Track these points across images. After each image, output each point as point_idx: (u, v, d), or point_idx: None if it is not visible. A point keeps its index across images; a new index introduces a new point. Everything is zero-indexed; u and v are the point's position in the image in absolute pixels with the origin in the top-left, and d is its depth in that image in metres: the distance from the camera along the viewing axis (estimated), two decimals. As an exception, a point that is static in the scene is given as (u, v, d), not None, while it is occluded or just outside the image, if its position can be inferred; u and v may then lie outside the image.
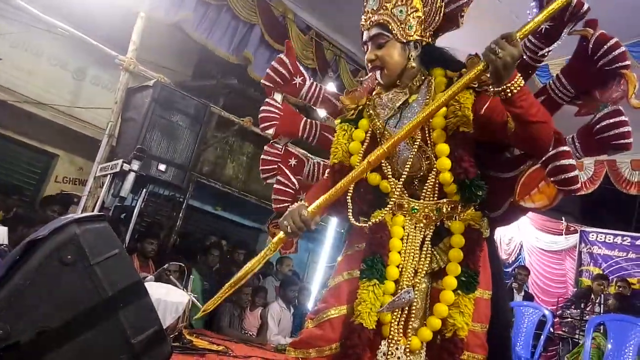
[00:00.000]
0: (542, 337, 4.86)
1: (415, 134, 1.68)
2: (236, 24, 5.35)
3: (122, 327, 1.83)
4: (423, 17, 1.74)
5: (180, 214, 5.92)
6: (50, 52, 5.63)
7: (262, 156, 2.15)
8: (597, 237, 8.03)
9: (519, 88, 1.45)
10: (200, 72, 6.58)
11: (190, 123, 4.86)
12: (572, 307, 6.57)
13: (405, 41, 1.72)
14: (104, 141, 4.59)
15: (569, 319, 6.35)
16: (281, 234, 1.66)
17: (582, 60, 1.65)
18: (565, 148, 1.52)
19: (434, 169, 1.68)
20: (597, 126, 1.61)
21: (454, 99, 1.59)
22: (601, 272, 7.49)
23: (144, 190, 4.93)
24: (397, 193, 1.71)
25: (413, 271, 1.66)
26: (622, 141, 1.57)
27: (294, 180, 2.09)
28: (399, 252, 1.68)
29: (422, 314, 1.66)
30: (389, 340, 1.62)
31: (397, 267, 1.66)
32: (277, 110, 2.10)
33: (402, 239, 1.69)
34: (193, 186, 6.06)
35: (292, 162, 2.13)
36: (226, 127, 6.16)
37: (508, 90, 1.44)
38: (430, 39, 1.78)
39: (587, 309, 6.34)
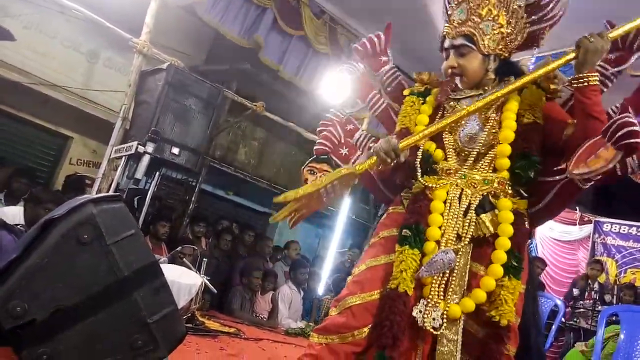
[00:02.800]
0: (553, 327, 4.83)
1: (488, 113, 1.79)
2: (248, 7, 5.30)
3: (137, 307, 1.84)
4: (506, 34, 1.83)
5: (193, 198, 5.93)
6: (64, 34, 5.62)
7: (327, 115, 2.27)
8: (611, 227, 7.95)
9: (594, 82, 1.61)
10: (213, 56, 6.55)
11: (203, 107, 4.85)
12: (577, 296, 6.58)
13: (486, 54, 1.81)
14: (118, 124, 4.59)
15: (582, 309, 6.33)
16: (372, 159, 1.77)
17: None
18: (629, 114, 1.56)
19: (496, 146, 1.76)
20: None
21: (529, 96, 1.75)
22: (596, 258, 7.51)
23: (157, 173, 4.94)
24: (451, 162, 1.80)
25: (455, 235, 1.69)
26: None
27: (342, 133, 2.21)
28: (442, 215, 1.72)
29: (462, 282, 1.67)
30: (428, 300, 1.64)
31: (439, 228, 1.71)
32: (359, 72, 2.25)
33: (445, 202, 1.74)
34: (205, 170, 6.07)
35: (349, 126, 2.24)
36: (239, 112, 6.14)
37: (585, 79, 1.60)
38: (508, 52, 1.87)
39: (592, 295, 6.37)
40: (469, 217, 1.70)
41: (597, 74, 1.63)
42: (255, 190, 7.22)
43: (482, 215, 1.68)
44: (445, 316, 1.60)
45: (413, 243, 1.65)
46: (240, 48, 5.51)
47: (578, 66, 1.61)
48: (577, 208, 8.17)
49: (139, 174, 4.25)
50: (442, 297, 1.64)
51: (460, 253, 1.67)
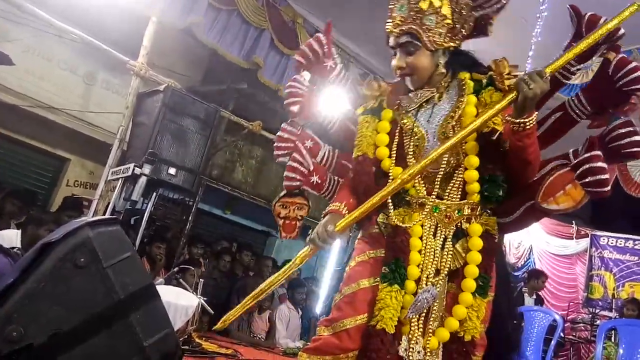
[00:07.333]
0: (552, 342, 4.83)
1: (447, 131, 1.71)
2: (246, 29, 5.37)
3: (133, 330, 1.84)
4: (452, 25, 1.75)
5: (190, 218, 5.93)
6: (62, 57, 5.68)
7: (279, 133, 2.04)
8: (608, 241, 7.97)
9: (531, 125, 1.53)
10: (210, 76, 6.61)
11: (200, 127, 4.89)
12: None
13: (434, 49, 1.73)
14: (115, 145, 4.62)
15: (581, 324, 6.29)
16: (307, 249, 1.69)
17: (602, 81, 1.72)
18: (598, 152, 1.54)
19: (462, 166, 1.70)
20: (609, 136, 1.64)
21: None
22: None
23: (154, 193, 4.95)
24: (420, 190, 1.73)
25: (434, 270, 1.67)
26: (633, 149, 1.61)
27: (309, 160, 2.01)
28: (419, 251, 1.69)
29: (441, 307, 1.67)
30: (410, 337, 1.64)
31: (417, 266, 1.67)
32: (304, 89, 2.02)
33: (420, 238, 1.70)
34: (202, 190, 6.08)
35: (309, 143, 2.04)
36: (236, 131, 6.18)
37: (522, 125, 1.52)
38: (457, 44, 1.80)
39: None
40: (446, 250, 1.68)
41: (534, 116, 1.53)
42: (253, 208, 7.23)
43: (457, 245, 1.68)
44: (428, 350, 1.63)
45: (393, 280, 1.63)
46: (236, 68, 5.57)
47: (516, 111, 1.52)
48: (574, 222, 8.19)
49: (136, 196, 4.26)
50: (422, 331, 1.65)
51: (440, 284, 1.67)
